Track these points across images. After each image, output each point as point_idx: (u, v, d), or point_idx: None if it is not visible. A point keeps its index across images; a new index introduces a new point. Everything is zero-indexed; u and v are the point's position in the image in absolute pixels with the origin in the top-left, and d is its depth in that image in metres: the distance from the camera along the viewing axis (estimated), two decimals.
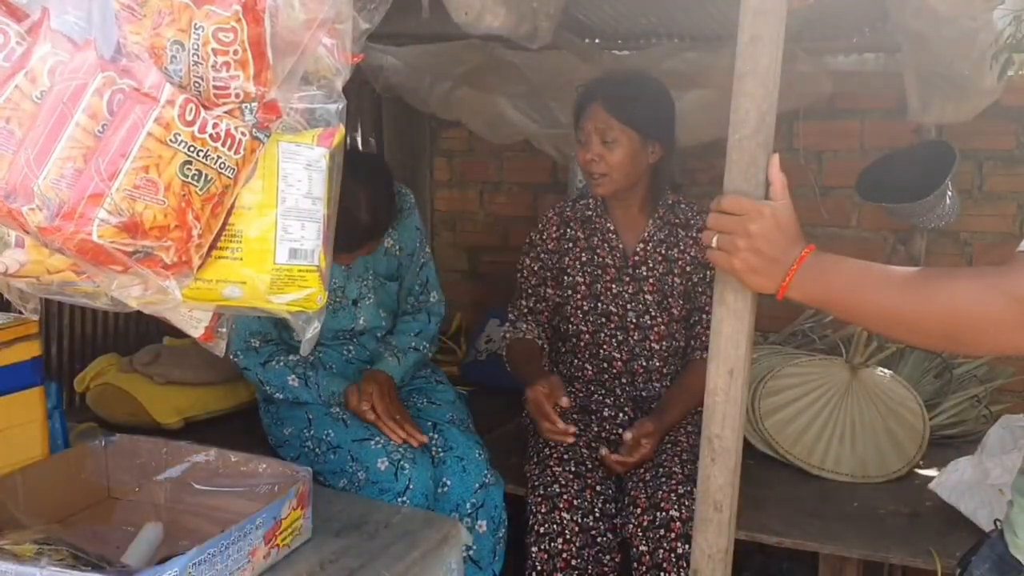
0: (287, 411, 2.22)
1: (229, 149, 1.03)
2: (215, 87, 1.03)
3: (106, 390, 2.57)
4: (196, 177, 1.00)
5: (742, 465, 1.35)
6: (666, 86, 2.26)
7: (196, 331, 1.17)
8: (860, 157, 2.92)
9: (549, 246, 2.30)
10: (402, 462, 2.00)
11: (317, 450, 2.12)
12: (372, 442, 2.04)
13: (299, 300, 1.13)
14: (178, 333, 2.90)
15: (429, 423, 2.19)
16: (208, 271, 1.08)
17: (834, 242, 3.00)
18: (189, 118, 0.99)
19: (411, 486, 1.97)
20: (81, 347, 2.83)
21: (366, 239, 2.14)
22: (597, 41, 3.07)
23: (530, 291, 2.33)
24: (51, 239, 0.97)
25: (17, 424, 1.56)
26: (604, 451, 2.06)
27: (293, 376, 2.20)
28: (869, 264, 1.16)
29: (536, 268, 2.31)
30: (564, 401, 2.04)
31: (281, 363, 2.21)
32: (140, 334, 2.95)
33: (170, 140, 0.98)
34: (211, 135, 1.01)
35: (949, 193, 2.56)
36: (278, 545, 1.40)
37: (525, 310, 2.33)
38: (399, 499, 1.95)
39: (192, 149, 1.00)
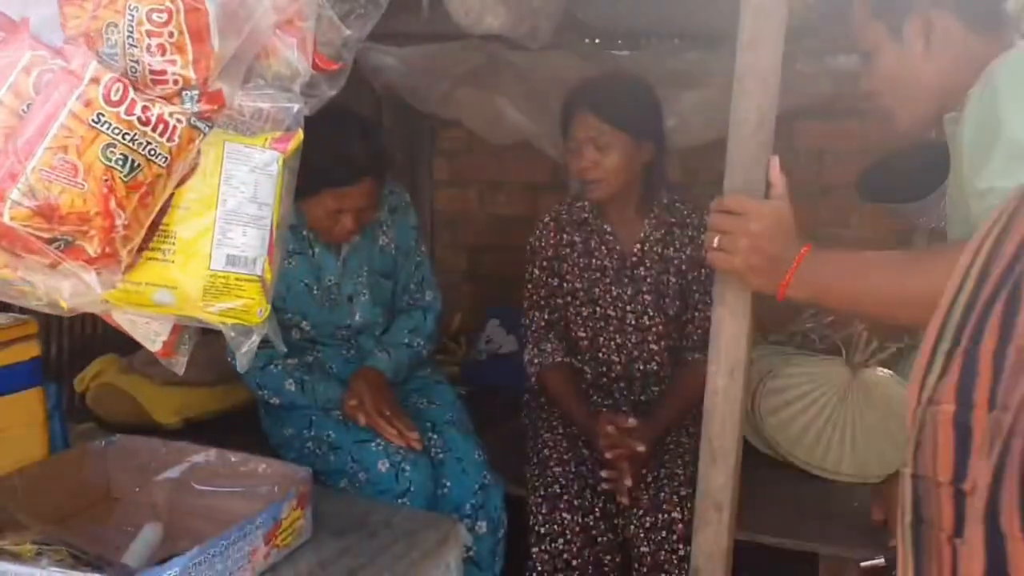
0: (287, 411, 2.22)
1: (161, 135, 0.97)
2: (151, 71, 0.98)
3: (106, 390, 2.57)
4: (121, 162, 0.95)
5: (742, 465, 1.35)
6: (651, 84, 2.25)
7: (154, 345, 1.13)
8: (860, 157, 2.91)
9: (549, 253, 2.29)
10: (403, 464, 2.00)
11: (317, 451, 2.12)
12: (373, 444, 2.04)
13: (235, 310, 1.07)
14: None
15: (428, 424, 2.18)
16: (137, 273, 1.03)
17: (834, 242, 2.98)
18: (115, 98, 0.94)
19: (411, 488, 1.97)
20: (81, 347, 2.82)
21: (361, 173, 2.05)
22: (597, 41, 3.07)
23: (542, 302, 2.32)
24: None
25: (17, 424, 1.56)
26: (605, 474, 2.04)
27: (290, 381, 2.18)
28: (864, 252, 1.17)
29: (545, 278, 2.30)
30: (631, 422, 2.05)
31: (279, 367, 2.19)
32: None
33: (92, 120, 0.93)
34: (140, 118, 0.95)
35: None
36: (278, 545, 1.40)
37: (543, 324, 2.31)
38: (399, 501, 1.94)
39: (117, 131, 0.94)
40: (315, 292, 2.22)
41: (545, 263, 2.30)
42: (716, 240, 1.22)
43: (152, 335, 1.12)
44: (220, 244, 1.03)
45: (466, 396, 2.58)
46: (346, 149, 1.99)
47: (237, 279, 1.05)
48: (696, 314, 2.23)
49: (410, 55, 3.00)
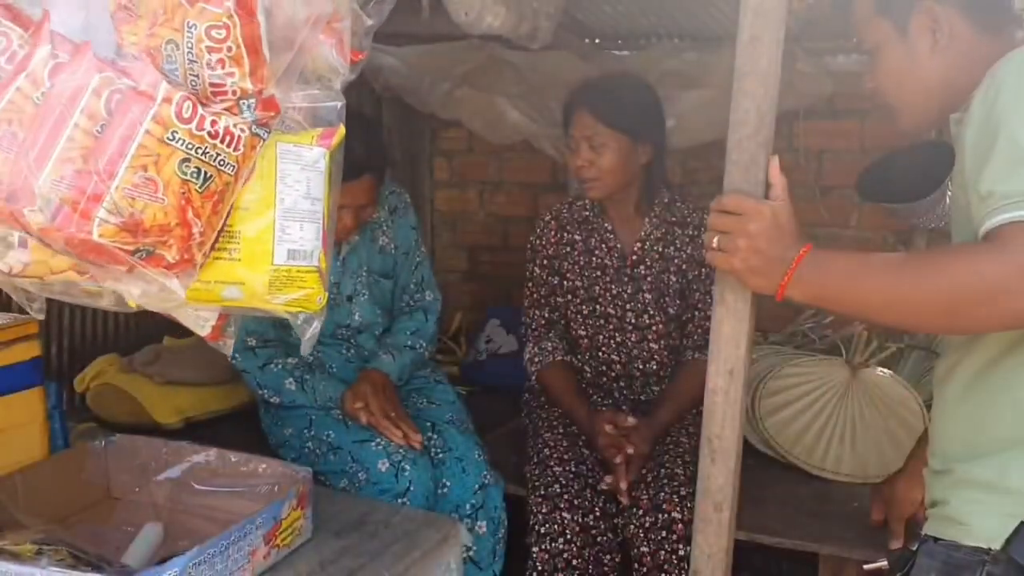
0: (287, 411, 2.22)
1: (228, 146, 1.02)
2: (211, 84, 1.02)
3: (106, 390, 2.57)
4: (195, 175, 1.00)
5: (742, 465, 1.35)
6: (653, 85, 2.26)
7: (203, 330, 1.18)
8: (860, 157, 2.91)
9: (550, 251, 2.30)
10: (403, 463, 2.00)
11: (318, 451, 2.12)
12: (373, 444, 2.04)
13: (298, 300, 1.13)
14: (179, 333, 2.90)
15: (428, 423, 2.18)
16: (206, 272, 1.08)
17: (834, 242, 2.99)
18: (186, 115, 0.99)
19: (412, 488, 1.97)
20: (81, 347, 2.82)
21: (361, 169, 2.02)
22: (597, 41, 3.07)
23: (543, 301, 2.32)
24: (52, 240, 0.97)
25: (17, 424, 1.56)
26: (606, 481, 2.04)
27: (290, 380, 2.18)
28: (864, 253, 1.17)
29: (545, 276, 2.31)
30: (631, 421, 2.06)
31: (279, 366, 2.19)
32: (140, 334, 2.95)
33: (167, 138, 0.98)
34: (209, 132, 1.01)
35: (949, 193, 2.56)
36: (278, 545, 1.40)
37: (543, 322, 2.32)
38: (399, 500, 1.94)
39: (190, 146, 0.99)
40: None
41: (546, 261, 2.30)
42: (715, 240, 1.22)
43: (202, 321, 1.17)
44: (281, 240, 1.09)
45: (466, 396, 2.58)
46: (346, 145, 1.98)
47: (298, 271, 1.11)
48: (696, 314, 2.23)
49: (410, 55, 3.01)
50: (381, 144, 2.16)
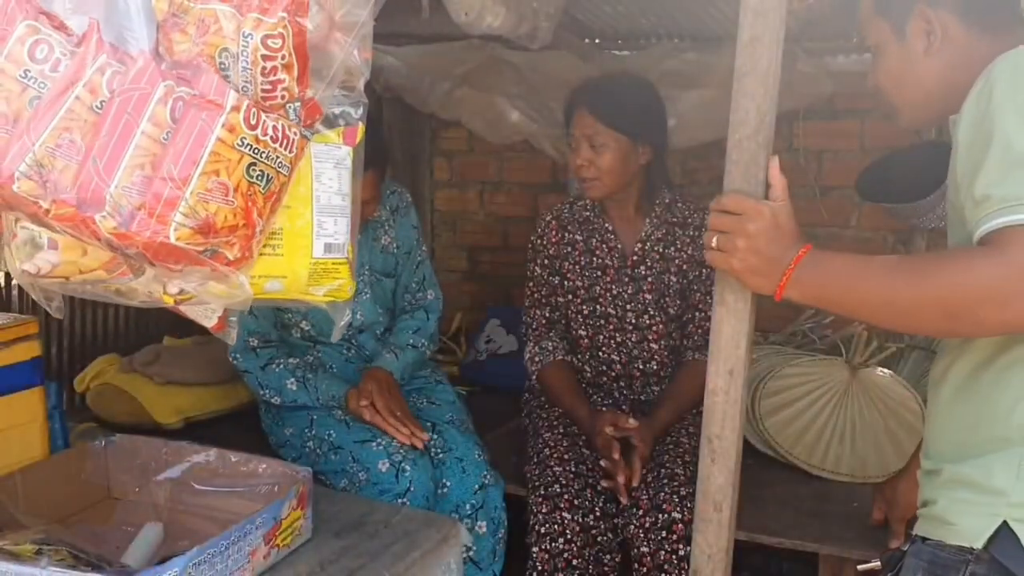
0: (288, 411, 2.22)
1: (285, 148, 1.08)
2: (262, 90, 1.07)
3: (106, 390, 2.57)
4: (260, 177, 1.06)
5: (742, 465, 1.35)
6: (654, 86, 2.26)
7: (209, 321, 1.21)
8: (860, 157, 2.91)
9: (550, 251, 2.30)
10: (403, 464, 2.00)
11: (318, 451, 2.12)
12: (374, 444, 2.04)
13: (333, 290, 1.20)
14: (179, 333, 2.89)
15: (428, 423, 2.18)
16: (253, 267, 1.13)
17: (834, 242, 2.99)
18: (253, 122, 1.04)
19: (412, 488, 1.97)
20: (81, 347, 2.83)
21: (366, 165, 2.05)
22: (597, 41, 3.07)
23: (543, 300, 2.32)
24: (127, 244, 1.01)
25: (17, 424, 1.56)
26: (604, 484, 2.04)
27: (292, 380, 2.18)
28: (863, 256, 1.17)
29: (546, 276, 2.31)
30: (632, 422, 2.05)
31: (280, 366, 2.19)
32: (140, 334, 2.95)
33: (237, 144, 1.03)
34: (271, 137, 1.07)
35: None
36: (278, 545, 1.40)
37: (544, 321, 2.32)
38: (399, 500, 1.94)
39: (256, 151, 1.05)
40: None
41: (546, 261, 2.30)
42: (714, 240, 1.22)
43: (209, 312, 1.21)
44: (319, 235, 1.17)
45: (466, 396, 2.58)
46: None
47: (334, 263, 1.18)
48: (696, 314, 2.23)
49: (410, 55, 3.01)
50: (382, 139, 2.16)
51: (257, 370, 2.20)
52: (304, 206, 1.15)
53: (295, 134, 1.09)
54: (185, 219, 1.00)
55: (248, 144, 1.04)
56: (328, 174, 1.17)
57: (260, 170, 1.05)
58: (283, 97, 1.09)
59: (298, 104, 1.11)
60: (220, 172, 1.02)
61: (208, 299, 1.15)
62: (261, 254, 1.13)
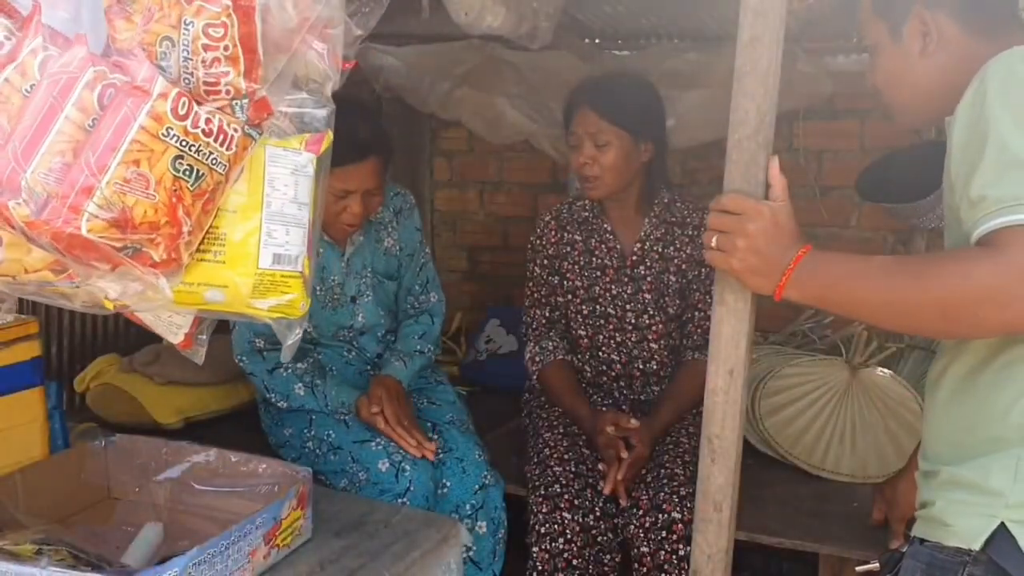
0: (288, 412, 2.22)
1: (221, 145, 1.02)
2: (205, 83, 1.02)
3: (106, 390, 2.57)
4: (188, 172, 0.99)
5: (742, 465, 1.35)
6: (654, 84, 2.26)
7: (176, 337, 1.16)
8: (860, 157, 2.91)
9: (550, 251, 2.30)
10: (403, 463, 2.00)
11: (318, 451, 2.12)
12: (373, 444, 2.04)
13: (281, 305, 1.12)
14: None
15: (429, 424, 2.18)
16: (190, 273, 1.07)
17: (834, 242, 3.00)
18: (182, 112, 0.98)
19: (412, 488, 1.97)
20: (81, 347, 2.83)
21: (366, 151, 2.02)
22: (597, 41, 3.07)
23: (543, 300, 2.32)
24: (38, 234, 0.95)
25: (17, 424, 1.56)
26: (602, 486, 2.04)
27: (300, 384, 2.18)
28: (863, 256, 1.17)
29: (545, 276, 2.31)
30: (633, 422, 2.05)
31: (288, 371, 2.18)
32: (140, 334, 2.91)
33: (162, 134, 0.97)
34: (203, 130, 1.00)
35: None
36: (278, 545, 1.40)
37: (544, 321, 2.32)
38: (399, 500, 1.94)
39: (184, 144, 0.98)
40: (318, 292, 2.22)
41: (546, 261, 2.30)
42: (714, 240, 1.22)
43: (175, 328, 1.16)
44: (267, 244, 1.08)
45: (466, 396, 2.58)
46: (349, 128, 1.97)
47: (283, 276, 1.10)
48: (696, 313, 2.23)
49: (410, 55, 3.01)
50: (382, 127, 2.15)
51: (264, 374, 2.19)
52: (252, 211, 1.07)
53: (236, 131, 1.02)
54: (99, 210, 0.94)
55: (175, 135, 0.97)
56: (283, 180, 1.08)
57: (188, 164, 0.98)
58: (228, 92, 1.03)
59: (246, 101, 1.04)
60: (141, 162, 0.95)
61: (144, 306, 1.08)
62: (200, 259, 1.06)
